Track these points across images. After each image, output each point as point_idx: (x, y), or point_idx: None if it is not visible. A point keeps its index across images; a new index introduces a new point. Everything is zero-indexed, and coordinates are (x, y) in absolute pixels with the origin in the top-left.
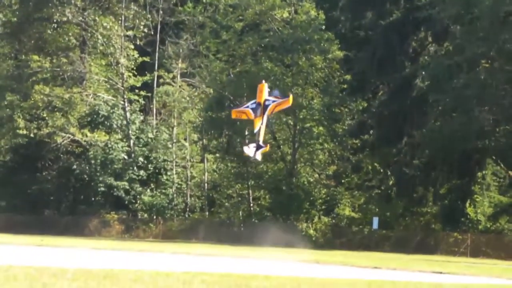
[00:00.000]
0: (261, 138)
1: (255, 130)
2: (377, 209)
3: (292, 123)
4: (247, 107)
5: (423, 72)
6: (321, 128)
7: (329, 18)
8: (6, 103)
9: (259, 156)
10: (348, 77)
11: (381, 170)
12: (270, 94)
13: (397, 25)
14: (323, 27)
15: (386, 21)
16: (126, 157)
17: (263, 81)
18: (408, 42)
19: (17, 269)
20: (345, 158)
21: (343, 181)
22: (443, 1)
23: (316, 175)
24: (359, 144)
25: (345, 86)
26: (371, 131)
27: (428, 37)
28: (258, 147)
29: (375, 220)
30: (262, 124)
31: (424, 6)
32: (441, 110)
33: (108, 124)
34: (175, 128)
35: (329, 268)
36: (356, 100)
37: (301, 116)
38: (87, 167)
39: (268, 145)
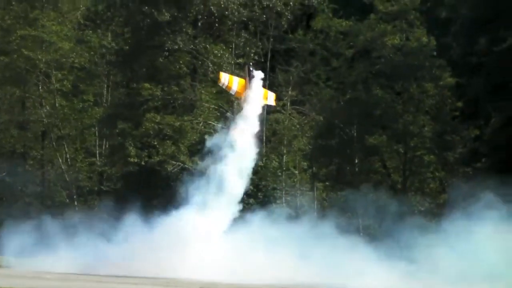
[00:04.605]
0: None
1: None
2: None
3: (402, 151)
4: None
5: None
6: (432, 156)
7: (440, 44)
8: (117, 131)
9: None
10: (459, 104)
11: None
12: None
13: (511, 51)
14: (435, 53)
15: (499, 47)
16: None
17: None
18: None
19: None
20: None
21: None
22: None
23: (427, 204)
24: (471, 173)
25: (457, 113)
26: (483, 159)
27: None
28: None
29: None
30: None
31: None
32: None
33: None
34: (284, 156)
35: None
36: (468, 127)
37: (412, 144)
38: None
39: None
